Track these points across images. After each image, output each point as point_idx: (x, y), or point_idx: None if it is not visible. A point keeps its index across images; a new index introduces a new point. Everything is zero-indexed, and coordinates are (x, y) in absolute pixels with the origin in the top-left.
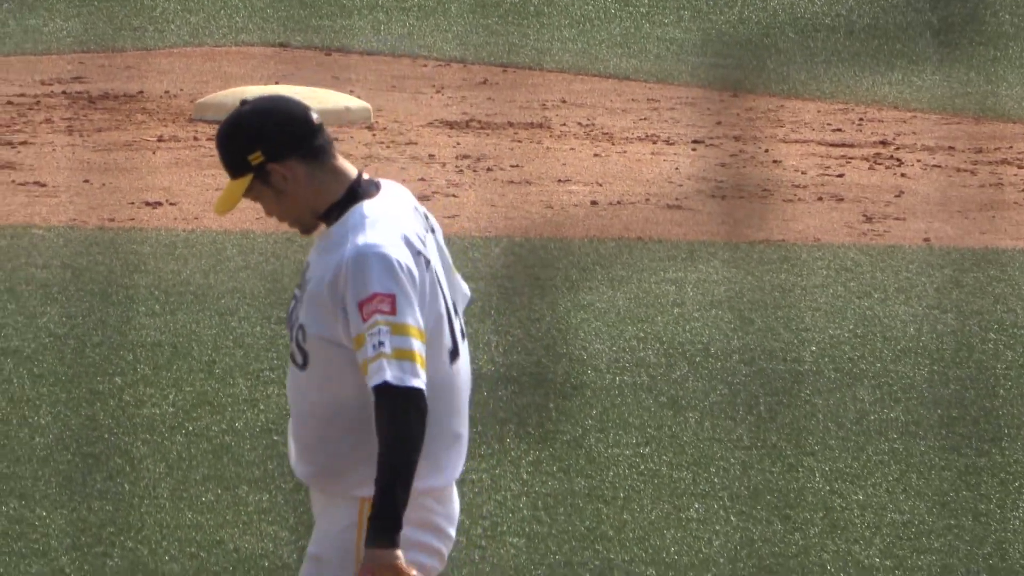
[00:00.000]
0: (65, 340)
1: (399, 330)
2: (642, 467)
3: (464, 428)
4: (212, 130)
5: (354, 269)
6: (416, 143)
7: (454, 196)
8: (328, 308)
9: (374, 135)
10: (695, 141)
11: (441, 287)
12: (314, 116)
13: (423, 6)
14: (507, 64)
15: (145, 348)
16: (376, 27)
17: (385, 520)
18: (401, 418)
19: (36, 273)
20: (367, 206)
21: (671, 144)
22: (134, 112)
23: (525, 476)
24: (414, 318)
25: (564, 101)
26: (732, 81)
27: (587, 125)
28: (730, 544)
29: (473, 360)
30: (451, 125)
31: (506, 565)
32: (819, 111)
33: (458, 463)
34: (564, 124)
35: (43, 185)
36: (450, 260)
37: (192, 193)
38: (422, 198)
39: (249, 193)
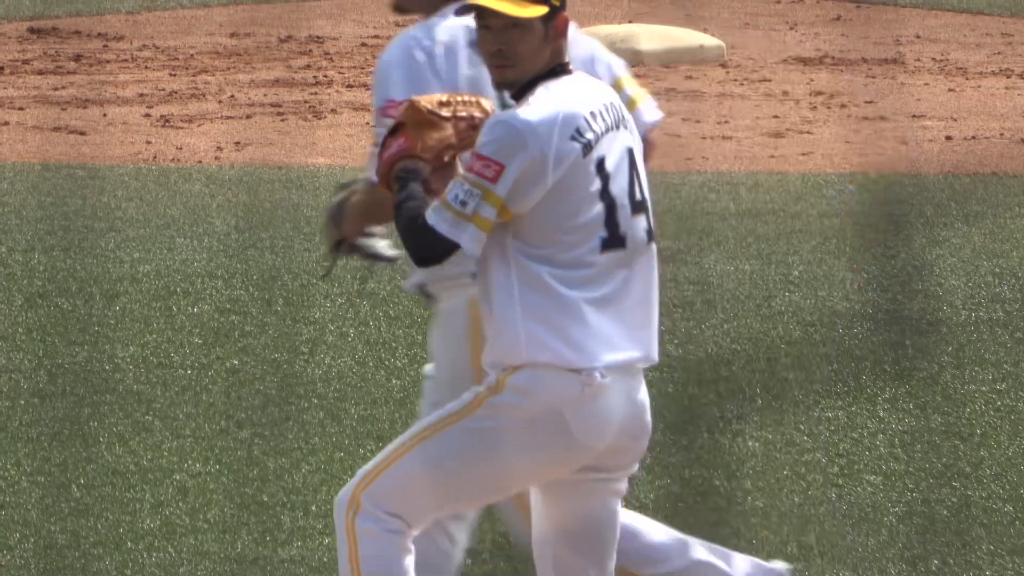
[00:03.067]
0: None
1: (488, 197)
2: (999, 403)
3: (607, 318)
4: None
5: (488, 127)
6: (770, 80)
7: (808, 133)
8: None
9: (727, 72)
10: None
11: (604, 174)
12: None
13: None
14: (860, 0)
15: None
16: None
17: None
18: (421, 225)
19: None
20: (542, 87)
21: None
22: None
23: (881, 413)
24: (507, 191)
25: (918, 36)
26: None
27: (941, 60)
28: None
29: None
30: (805, 62)
31: (863, 503)
32: None
33: (590, 347)
34: (918, 59)
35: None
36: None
37: None
38: (775, 135)
39: (531, 22)
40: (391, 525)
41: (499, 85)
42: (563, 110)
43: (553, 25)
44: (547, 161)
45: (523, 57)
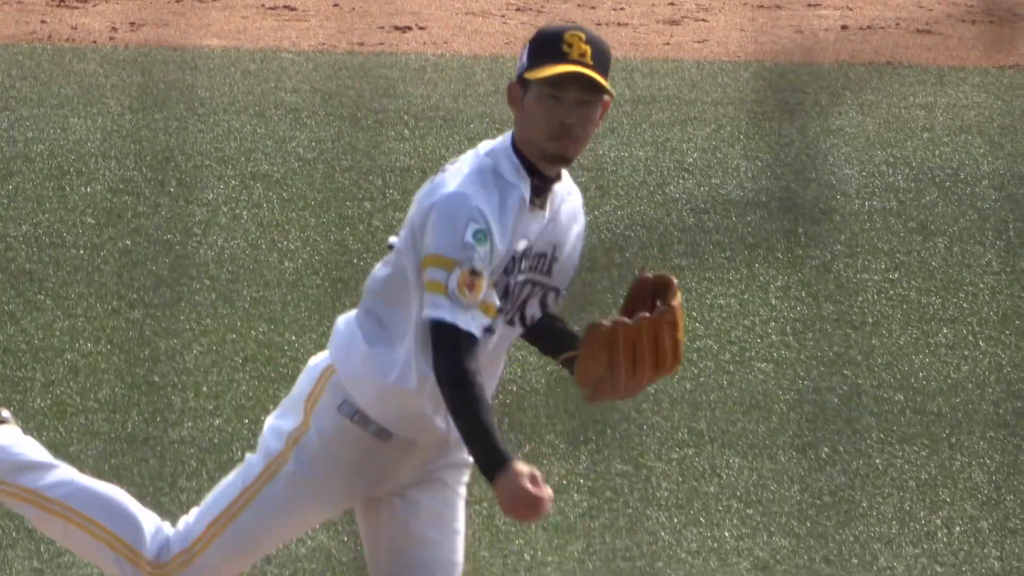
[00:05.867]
0: (314, 164)
1: None
2: (891, 292)
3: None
4: None
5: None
6: None
7: (703, 21)
8: None
9: None
10: None
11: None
12: None
13: None
14: None
15: (394, 173)
16: None
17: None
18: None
19: (285, 97)
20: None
21: None
22: None
23: (773, 301)
24: None
25: None
26: None
27: None
28: (979, 369)
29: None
30: None
31: (754, 390)
32: None
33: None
34: None
35: (293, 9)
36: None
37: (442, 17)
38: (671, 22)
39: (602, 100)
40: None
41: (556, 160)
42: None
43: (605, 111)
44: None
45: (588, 136)
